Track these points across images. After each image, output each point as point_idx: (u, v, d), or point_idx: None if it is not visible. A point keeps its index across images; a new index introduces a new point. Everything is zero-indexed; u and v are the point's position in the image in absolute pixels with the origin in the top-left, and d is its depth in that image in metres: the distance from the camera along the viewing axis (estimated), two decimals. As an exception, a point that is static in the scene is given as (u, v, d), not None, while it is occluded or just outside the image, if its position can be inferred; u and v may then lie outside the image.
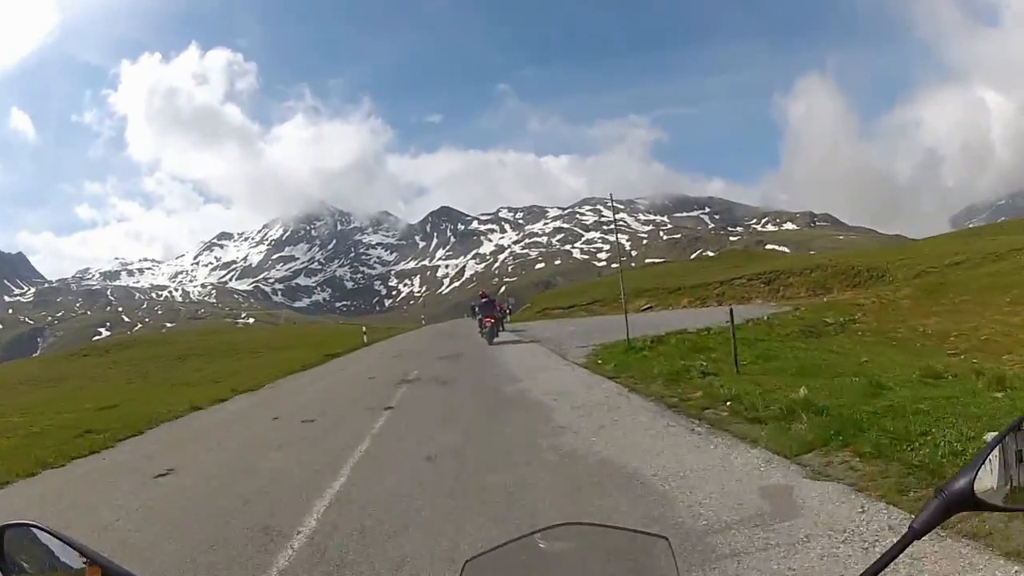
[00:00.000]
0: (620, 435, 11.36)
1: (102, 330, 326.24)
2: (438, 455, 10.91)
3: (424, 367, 26.24)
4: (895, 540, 1.61)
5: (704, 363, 18.22)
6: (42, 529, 1.55)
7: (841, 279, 53.72)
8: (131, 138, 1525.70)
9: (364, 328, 54.98)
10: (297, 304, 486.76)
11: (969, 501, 1.58)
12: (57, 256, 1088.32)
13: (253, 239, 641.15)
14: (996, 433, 1.80)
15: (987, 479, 1.61)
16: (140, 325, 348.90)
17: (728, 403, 12.81)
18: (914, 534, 1.58)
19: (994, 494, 1.62)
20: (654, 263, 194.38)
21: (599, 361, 22.70)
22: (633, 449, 10.28)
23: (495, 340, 36.09)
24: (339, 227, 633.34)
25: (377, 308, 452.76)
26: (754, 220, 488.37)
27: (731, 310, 18.80)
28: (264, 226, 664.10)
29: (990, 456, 1.62)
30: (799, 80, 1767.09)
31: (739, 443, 10.04)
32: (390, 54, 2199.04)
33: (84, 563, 1.49)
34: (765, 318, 33.99)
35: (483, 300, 39.58)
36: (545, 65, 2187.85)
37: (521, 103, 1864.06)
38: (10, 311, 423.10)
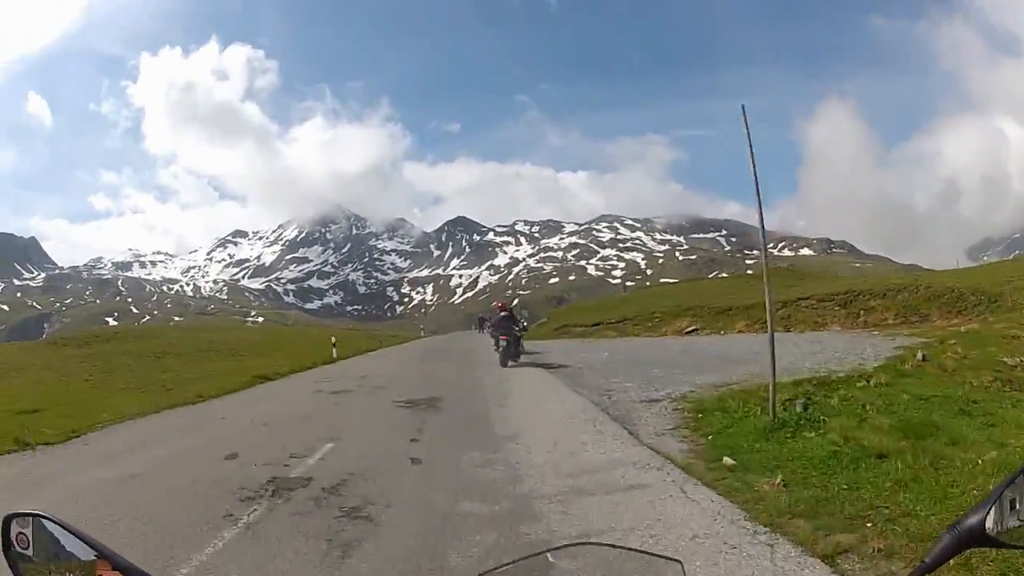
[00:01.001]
0: None
1: (109, 319, 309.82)
2: None
3: (355, 435, 13.97)
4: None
5: None
6: (50, 519, 1.48)
7: (939, 303, 41.05)
8: (148, 131, 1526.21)
9: (334, 340, 41.88)
10: (308, 306, 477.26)
11: (980, 538, 1.60)
12: (70, 244, 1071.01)
13: (268, 238, 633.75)
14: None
15: (999, 517, 1.63)
16: (148, 317, 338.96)
17: None
18: (925, 568, 1.60)
19: (1005, 532, 1.64)
20: (668, 283, 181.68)
21: (727, 456, 9.99)
22: None
23: (509, 364, 28.55)
24: (354, 231, 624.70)
25: (388, 314, 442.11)
26: (771, 244, 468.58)
27: None
28: (279, 226, 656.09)
29: (1003, 495, 1.64)
30: (819, 105, 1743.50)
31: None
32: (412, 60, 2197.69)
33: (93, 556, 1.47)
34: (920, 357, 21.18)
35: (502, 314, 31.19)
36: (565, 80, 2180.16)
37: (540, 116, 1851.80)
38: (18, 295, 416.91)
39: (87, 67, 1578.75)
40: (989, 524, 1.58)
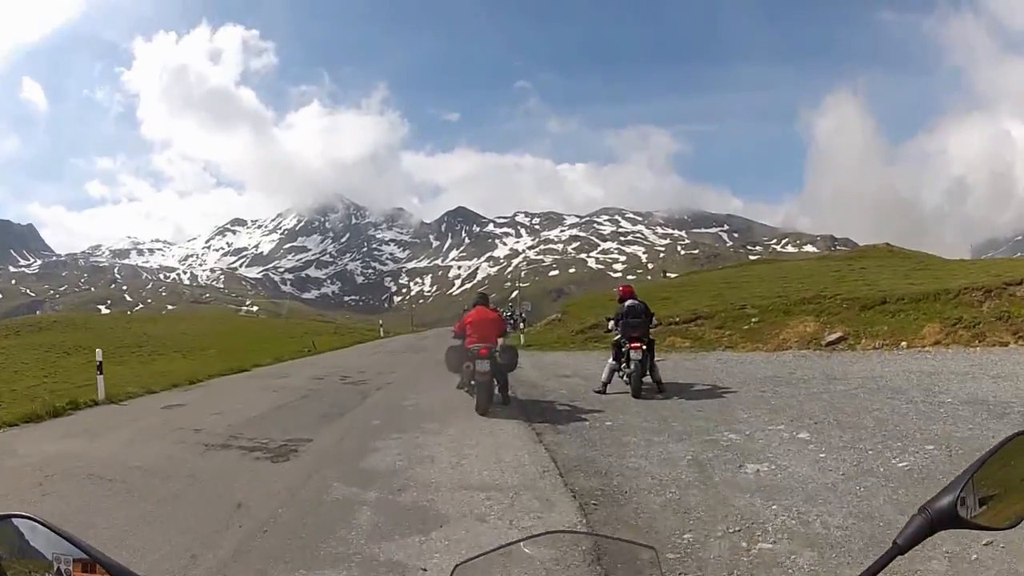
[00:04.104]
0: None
1: (101, 307, 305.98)
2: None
3: None
4: (879, 556, 1.56)
5: None
6: (38, 522, 1.38)
7: None
8: (143, 116, 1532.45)
9: (100, 357, 19.64)
10: (305, 295, 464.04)
11: (953, 519, 1.55)
12: (68, 231, 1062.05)
13: (267, 227, 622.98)
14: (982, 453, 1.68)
15: (971, 498, 1.58)
16: (141, 305, 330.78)
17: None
18: (898, 550, 1.54)
19: (978, 513, 1.59)
20: (742, 264, 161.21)
21: None
22: None
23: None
24: (353, 220, 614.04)
25: (386, 305, 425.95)
26: (774, 240, 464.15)
27: None
28: (278, 215, 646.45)
29: (974, 476, 1.59)
30: (826, 98, 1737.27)
31: None
32: (410, 47, 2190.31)
33: (84, 559, 1.38)
34: None
35: (627, 304, 16.81)
36: (566, 72, 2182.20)
37: (540, 105, 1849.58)
38: (13, 282, 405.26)
39: (82, 53, 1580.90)
40: (961, 506, 1.52)
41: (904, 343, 23.28)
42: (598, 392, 16.15)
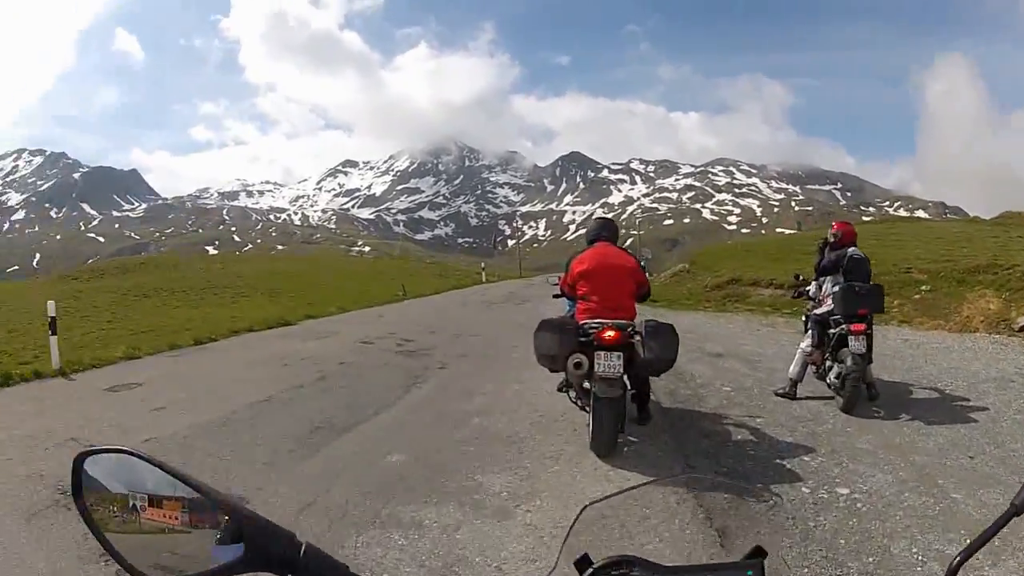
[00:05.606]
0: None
1: (209, 248, 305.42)
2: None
3: None
4: (997, 517, 1.47)
5: None
6: (133, 454, 1.30)
7: None
8: (245, 62, 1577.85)
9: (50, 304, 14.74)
10: (418, 236, 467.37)
11: None
12: (174, 176, 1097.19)
13: (379, 169, 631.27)
14: None
15: None
16: (250, 246, 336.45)
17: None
18: (1015, 511, 1.47)
19: None
20: (784, 233, 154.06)
21: None
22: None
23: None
24: (467, 163, 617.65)
25: (498, 248, 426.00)
26: (886, 203, 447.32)
27: None
28: (390, 156, 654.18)
29: None
30: (937, 61, 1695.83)
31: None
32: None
33: (182, 490, 1.29)
34: None
35: (851, 252, 10.17)
36: (674, 16, 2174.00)
37: (651, 51, 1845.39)
38: (116, 226, 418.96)
39: (173, 2, 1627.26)
40: None
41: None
42: (782, 395, 10.33)
